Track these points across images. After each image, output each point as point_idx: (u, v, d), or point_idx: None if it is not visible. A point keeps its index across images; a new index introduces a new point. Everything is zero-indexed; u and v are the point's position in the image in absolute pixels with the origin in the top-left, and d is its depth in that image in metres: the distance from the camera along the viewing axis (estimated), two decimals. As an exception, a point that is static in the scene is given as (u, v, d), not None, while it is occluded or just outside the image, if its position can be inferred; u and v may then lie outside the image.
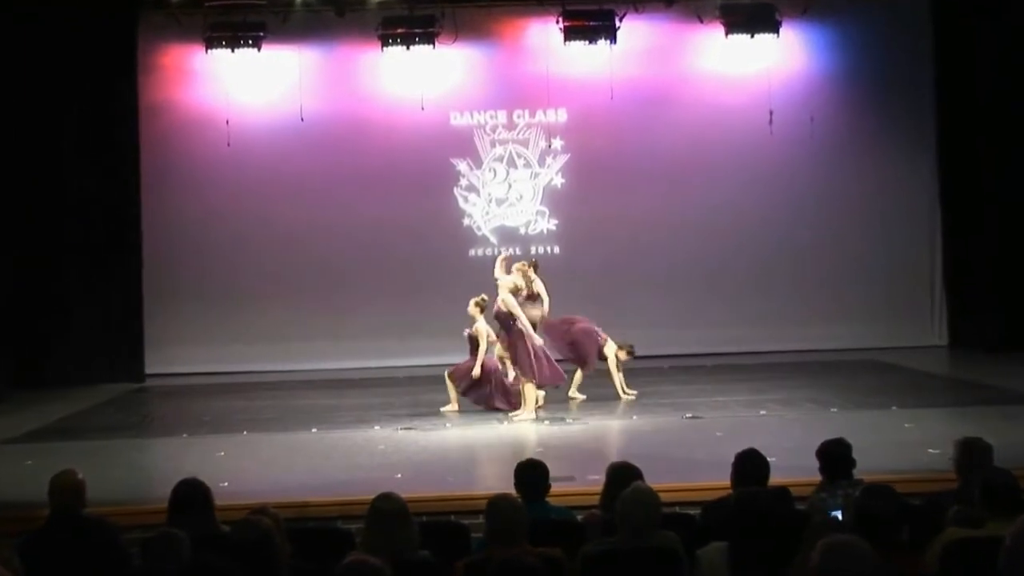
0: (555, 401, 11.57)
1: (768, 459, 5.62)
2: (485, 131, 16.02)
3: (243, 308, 15.22)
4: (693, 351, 15.07)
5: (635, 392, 11.80)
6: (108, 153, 14.83)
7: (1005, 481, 4.90)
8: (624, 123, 15.82)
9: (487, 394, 11.13)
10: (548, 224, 16.06)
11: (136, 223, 15.10)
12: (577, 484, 7.28)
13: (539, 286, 12.08)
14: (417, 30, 14.95)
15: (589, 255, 15.51)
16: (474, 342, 11.13)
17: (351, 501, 6.92)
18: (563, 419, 10.61)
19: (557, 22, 15.18)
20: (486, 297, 11.28)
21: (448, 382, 11.33)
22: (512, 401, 10.94)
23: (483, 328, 11.10)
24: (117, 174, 14.90)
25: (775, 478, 5.67)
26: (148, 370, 14.77)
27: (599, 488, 5.49)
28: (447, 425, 10.49)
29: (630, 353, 11.69)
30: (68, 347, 14.58)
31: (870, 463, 6.32)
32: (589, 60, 15.52)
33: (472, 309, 11.23)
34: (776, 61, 15.67)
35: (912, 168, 16.09)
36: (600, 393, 12.08)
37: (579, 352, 11.80)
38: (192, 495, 5.18)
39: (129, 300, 14.98)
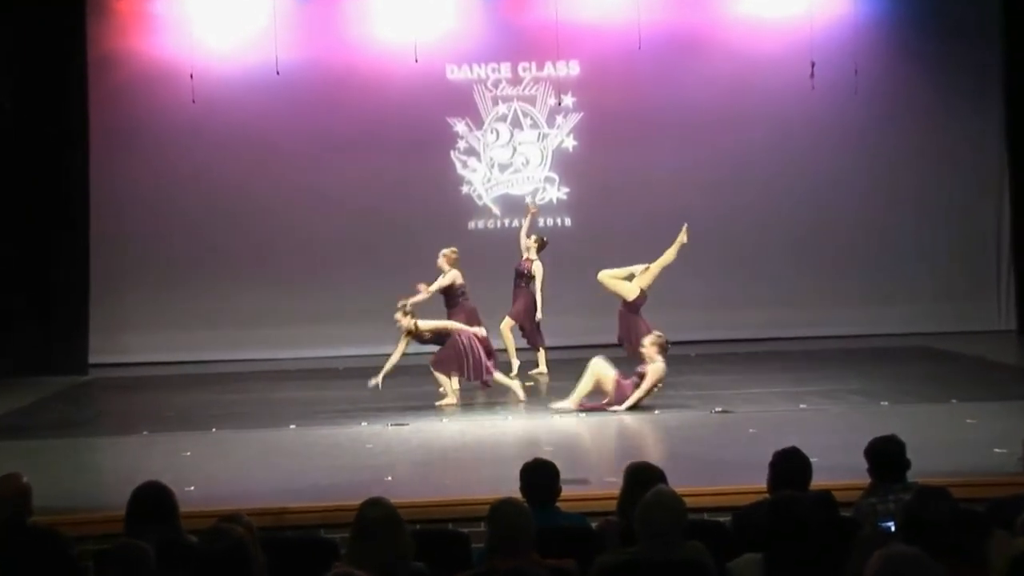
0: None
1: (810, 459, 5.64)
2: (486, 86, 16.00)
3: (208, 289, 15.25)
4: (724, 336, 15.11)
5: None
6: (51, 112, 14.78)
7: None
8: (644, 76, 15.79)
9: (477, 364, 11.29)
10: (558, 192, 16.07)
11: (83, 192, 15.08)
12: (591, 487, 7.31)
13: (537, 267, 12.26)
14: (409, -31, 14.96)
15: (604, 227, 15.52)
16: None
17: (335, 507, 6.96)
18: (578, 413, 10.62)
19: (569, -39, 15.18)
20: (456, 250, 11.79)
21: (436, 374, 11.37)
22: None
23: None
24: (61, 136, 14.87)
25: (817, 481, 5.68)
26: (92, 359, 14.77)
27: (616, 492, 5.50)
28: (443, 420, 10.51)
29: (663, 348, 11.23)
30: (7, 335, 14.59)
31: (926, 464, 6.33)
32: (605, 5, 15.49)
33: (441, 262, 11.64)
34: (819, 5, 15.62)
35: (975, 128, 16.06)
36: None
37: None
38: (154, 501, 5.20)
39: (73, 280, 14.96)
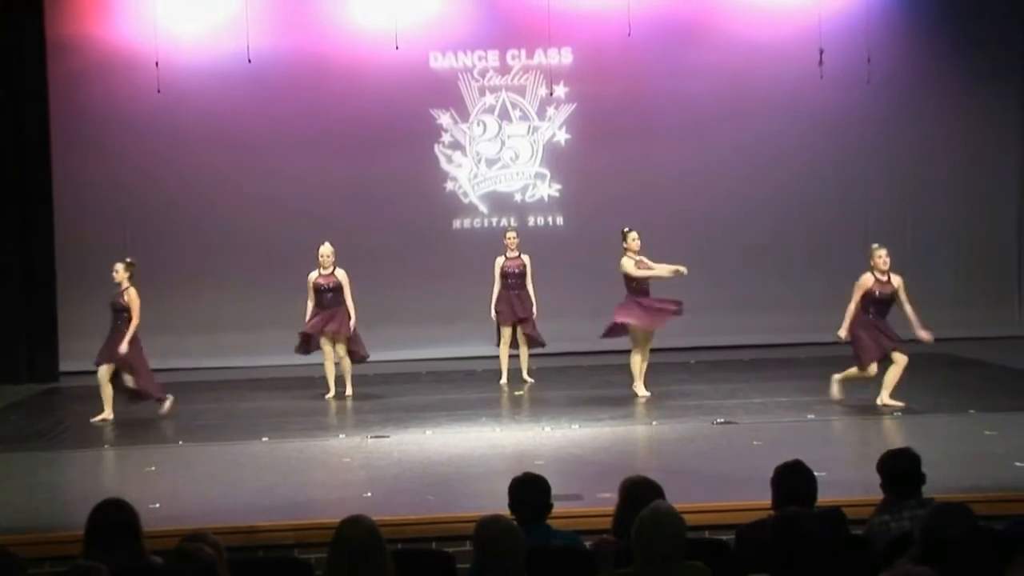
0: (560, 404, 11.61)
1: (816, 474, 5.64)
2: (472, 76, 16.01)
3: (176, 291, 15.20)
4: (726, 342, 15.13)
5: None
6: (7, 103, 14.76)
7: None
8: (642, 65, 15.81)
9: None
10: (549, 189, 16.07)
11: (45, 189, 15.08)
12: (585, 504, 7.32)
13: (526, 258, 12.40)
14: (389, -49, 14.96)
15: (598, 226, 15.47)
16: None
17: (309, 525, 6.99)
18: (572, 425, 10.63)
19: (560, -59, 15.20)
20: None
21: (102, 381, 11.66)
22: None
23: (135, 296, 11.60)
24: (19, 129, 14.86)
25: (826, 496, 5.68)
26: (62, 367, 14.77)
27: (611, 509, 5.50)
28: (427, 432, 10.51)
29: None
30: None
31: (943, 479, 6.35)
32: (600, -13, 15.50)
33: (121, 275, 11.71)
34: (828, -12, 15.66)
35: (993, 120, 16.12)
36: (612, 394, 12.11)
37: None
38: (116, 520, 5.18)
39: (39, 284, 14.97)
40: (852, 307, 11.15)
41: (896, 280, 11.15)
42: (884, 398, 10.99)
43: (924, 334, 10.99)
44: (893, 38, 15.73)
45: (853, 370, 11.14)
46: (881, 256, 11.15)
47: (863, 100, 15.70)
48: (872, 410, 10.89)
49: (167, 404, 11.73)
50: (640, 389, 11.92)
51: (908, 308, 11.14)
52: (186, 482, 8.95)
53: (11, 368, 14.60)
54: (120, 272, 11.74)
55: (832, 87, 15.41)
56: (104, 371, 11.65)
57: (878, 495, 5.76)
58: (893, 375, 11.01)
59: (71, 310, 14.96)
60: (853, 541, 5.40)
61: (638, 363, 11.97)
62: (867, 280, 11.18)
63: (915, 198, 15.91)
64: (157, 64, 14.77)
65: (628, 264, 11.94)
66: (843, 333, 11.12)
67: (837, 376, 11.17)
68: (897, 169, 15.90)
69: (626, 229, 12.09)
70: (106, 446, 10.60)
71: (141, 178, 15.49)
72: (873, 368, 11.04)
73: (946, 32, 15.89)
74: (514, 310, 13.09)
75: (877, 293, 11.12)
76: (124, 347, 11.48)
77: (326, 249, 12.71)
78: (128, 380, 11.72)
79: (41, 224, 15.05)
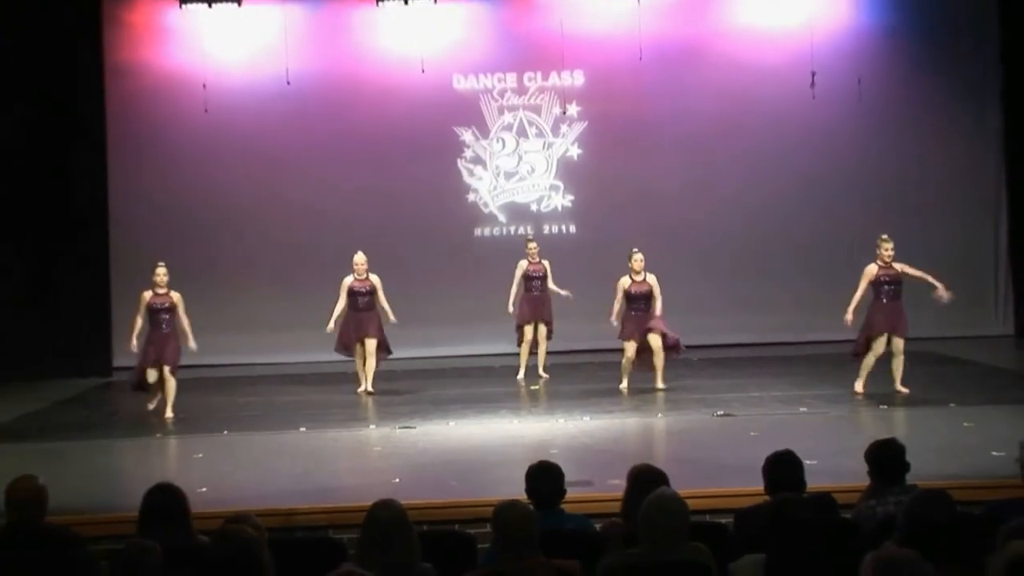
0: (570, 396, 11.61)
1: (809, 462, 5.63)
2: (492, 96, 16.00)
3: (221, 293, 15.23)
4: (726, 341, 15.08)
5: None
6: (69, 121, 14.87)
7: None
8: (648, 86, 15.79)
9: None
10: (563, 200, 16.06)
11: (102, 200, 15.17)
12: (595, 489, 7.30)
13: (546, 263, 12.50)
14: (417, -18, 14.96)
15: (608, 234, 15.49)
16: None
17: (343, 509, 6.98)
18: (583, 416, 10.61)
19: (573, -28, 15.18)
20: None
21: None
22: None
23: None
24: (80, 145, 14.97)
25: (818, 483, 5.66)
26: (116, 363, 14.81)
27: (620, 494, 5.49)
28: (450, 423, 10.51)
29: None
30: (27, 338, 14.63)
31: (925, 467, 6.31)
32: (609, 16, 15.49)
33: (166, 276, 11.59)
34: (820, 14, 15.62)
35: (974, 137, 16.04)
36: (621, 388, 12.10)
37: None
38: (166, 502, 5.19)
39: (95, 285, 15.04)
40: (857, 295, 11.25)
41: (900, 266, 11.26)
42: (897, 386, 11.15)
43: (943, 294, 11.20)
44: (881, 62, 15.69)
45: (866, 361, 11.13)
46: (887, 248, 11.29)
47: (852, 118, 15.66)
48: (860, 404, 10.85)
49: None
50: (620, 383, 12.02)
51: (920, 274, 11.34)
52: (230, 468, 8.96)
53: (70, 365, 14.63)
54: (165, 275, 11.58)
55: (823, 106, 15.40)
56: (153, 373, 11.50)
57: (865, 482, 5.74)
58: (898, 363, 11.13)
59: (124, 313, 14.96)
60: (842, 524, 5.37)
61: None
62: (871, 269, 11.37)
63: (899, 209, 15.80)
64: (204, 86, 14.84)
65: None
66: (849, 317, 11.25)
67: (858, 382, 11.20)
68: (883, 182, 15.82)
69: (633, 250, 12.21)
70: (157, 435, 10.63)
71: (189, 190, 15.53)
72: (881, 342, 11.01)
73: (929, 57, 15.83)
74: (535, 311, 13.12)
75: (882, 278, 11.21)
76: (193, 344, 11.45)
77: (360, 257, 12.71)
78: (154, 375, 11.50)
79: (98, 234, 15.13)
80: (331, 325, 12.63)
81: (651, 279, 12.11)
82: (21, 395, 13.10)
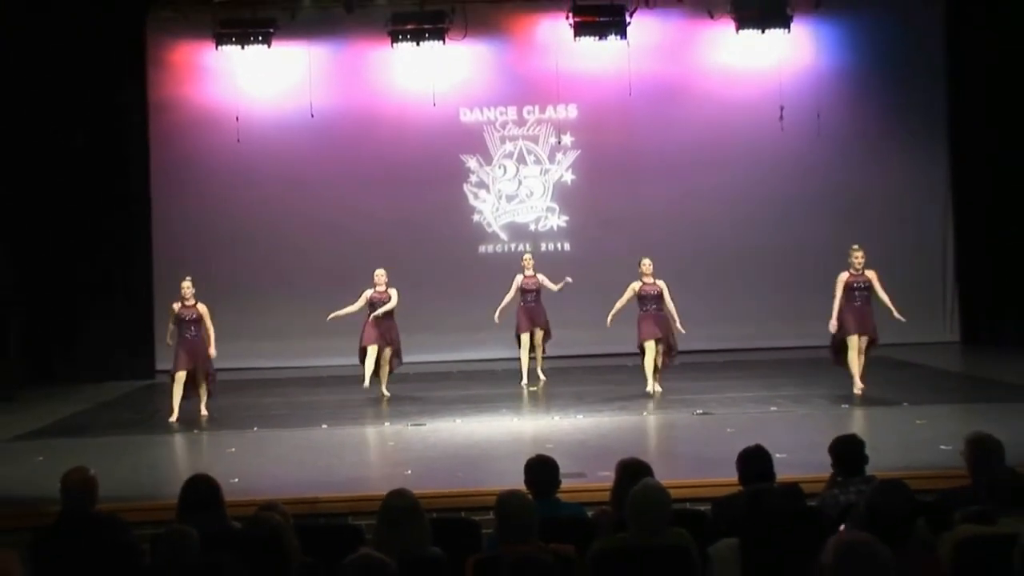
0: (566, 397, 11.58)
1: (779, 455, 5.61)
2: (495, 127, 16.02)
3: (251, 305, 15.23)
4: (704, 347, 15.01)
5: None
6: (117, 150, 14.91)
7: (1013, 478, 4.88)
8: (634, 119, 15.81)
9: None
10: (558, 220, 16.06)
11: (146, 219, 15.20)
12: (588, 480, 7.28)
13: (542, 277, 12.44)
14: (427, 26, 14.97)
15: (599, 251, 15.50)
16: None
17: (360, 497, 6.97)
18: (578, 415, 10.59)
19: (567, 18, 15.16)
20: None
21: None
22: None
23: None
24: (127, 171, 15.00)
25: (787, 474, 5.64)
26: (159, 367, 14.80)
27: (610, 485, 5.48)
28: (456, 421, 10.49)
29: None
30: (79, 344, 14.69)
31: (882, 460, 6.30)
32: (599, 56, 15.50)
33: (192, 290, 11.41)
34: (787, 56, 15.64)
35: (923, 163, 16.05)
36: (611, 390, 12.08)
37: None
38: (203, 491, 5.18)
39: (139, 297, 15.05)
40: (836, 303, 11.16)
41: (870, 273, 11.18)
42: (857, 384, 11.03)
43: (899, 316, 11.10)
44: (840, 99, 15.73)
45: (849, 360, 11.05)
46: (857, 256, 11.26)
47: (815, 149, 15.68)
48: (824, 403, 10.84)
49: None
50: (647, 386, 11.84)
51: (884, 296, 11.20)
52: (260, 461, 8.96)
53: (116, 368, 14.63)
54: (190, 287, 11.43)
55: (791, 137, 15.43)
56: (182, 374, 11.29)
57: (829, 473, 5.74)
58: (860, 362, 11.08)
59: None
60: (809, 512, 5.36)
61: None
62: (843, 276, 11.29)
63: (857, 230, 15.70)
64: (237, 119, 14.88)
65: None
66: (834, 323, 11.15)
67: (855, 381, 11.08)
68: (843, 206, 15.80)
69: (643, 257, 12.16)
70: (194, 431, 10.62)
71: (223, 211, 15.54)
72: (853, 340, 11.00)
73: (884, 94, 15.84)
74: (532, 320, 13.10)
75: (853, 284, 11.17)
76: (214, 351, 11.40)
77: (380, 272, 12.61)
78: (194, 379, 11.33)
79: (142, 252, 15.15)
80: (341, 312, 12.37)
81: (660, 283, 12.01)
82: (74, 396, 13.10)
